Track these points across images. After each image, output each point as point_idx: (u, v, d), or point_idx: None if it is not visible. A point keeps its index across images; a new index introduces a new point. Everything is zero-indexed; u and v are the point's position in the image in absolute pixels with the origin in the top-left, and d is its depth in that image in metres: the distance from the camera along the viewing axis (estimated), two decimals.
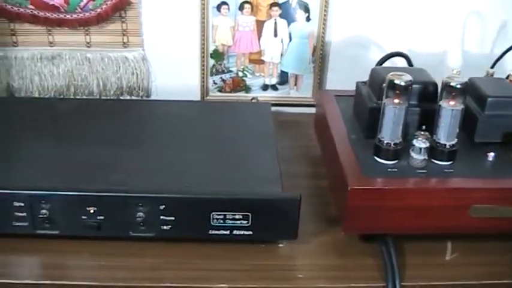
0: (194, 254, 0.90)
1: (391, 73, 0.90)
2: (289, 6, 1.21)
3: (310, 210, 0.98)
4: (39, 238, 0.90)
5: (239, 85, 1.29)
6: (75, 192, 0.88)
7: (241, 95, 1.30)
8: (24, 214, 0.88)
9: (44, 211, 0.88)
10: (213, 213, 0.87)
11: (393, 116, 0.90)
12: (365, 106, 0.97)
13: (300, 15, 1.22)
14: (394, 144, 0.91)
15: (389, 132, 0.91)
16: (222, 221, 0.88)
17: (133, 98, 1.29)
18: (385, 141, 0.91)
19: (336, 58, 1.27)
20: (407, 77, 0.89)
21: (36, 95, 1.27)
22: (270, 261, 0.89)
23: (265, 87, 1.29)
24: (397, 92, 0.89)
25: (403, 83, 0.88)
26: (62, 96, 1.28)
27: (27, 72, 1.25)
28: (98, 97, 1.28)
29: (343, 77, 1.26)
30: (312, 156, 1.14)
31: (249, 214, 0.88)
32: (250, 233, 0.89)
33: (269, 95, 1.30)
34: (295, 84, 1.28)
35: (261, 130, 1.06)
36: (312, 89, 1.29)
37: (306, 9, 1.21)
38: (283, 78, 1.28)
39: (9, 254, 0.89)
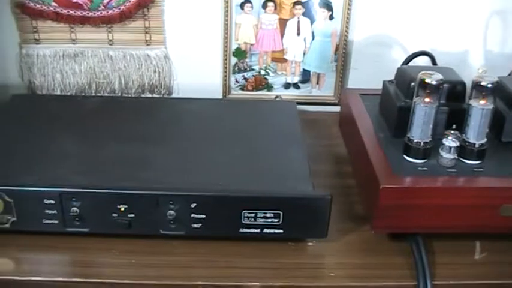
0: (224, 252, 0.90)
1: (422, 72, 0.90)
2: (313, 5, 1.21)
3: (337, 209, 0.97)
4: (69, 236, 0.91)
5: (261, 83, 1.28)
6: (107, 190, 0.88)
7: (263, 94, 1.30)
8: (55, 212, 0.88)
9: (74, 209, 0.88)
10: (244, 211, 0.88)
11: (424, 115, 0.90)
12: (393, 105, 0.98)
13: (323, 13, 1.22)
14: (424, 143, 0.91)
15: (419, 131, 0.91)
16: (253, 219, 0.88)
17: (154, 96, 1.29)
18: (415, 140, 0.91)
19: (358, 57, 1.27)
20: (439, 76, 0.89)
21: (58, 93, 1.27)
22: (300, 260, 0.90)
23: (287, 86, 1.29)
24: (428, 91, 0.89)
25: (434, 82, 0.89)
26: (83, 94, 1.28)
27: (49, 69, 1.25)
28: (119, 95, 1.28)
29: (365, 76, 1.27)
30: (336, 155, 1.14)
31: (280, 212, 0.88)
32: (281, 231, 0.89)
33: (291, 94, 1.30)
34: (317, 83, 1.29)
35: (288, 128, 1.07)
36: (333, 87, 1.29)
37: (329, 8, 1.21)
38: (305, 76, 1.28)
39: (40, 252, 0.90)
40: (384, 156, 0.93)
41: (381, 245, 0.93)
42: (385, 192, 0.86)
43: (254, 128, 1.07)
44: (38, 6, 1.19)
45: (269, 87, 1.29)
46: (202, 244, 0.91)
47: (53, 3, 1.19)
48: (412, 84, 0.94)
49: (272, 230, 0.89)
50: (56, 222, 0.89)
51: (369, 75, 1.26)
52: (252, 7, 1.21)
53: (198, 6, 1.22)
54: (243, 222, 0.88)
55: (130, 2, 1.19)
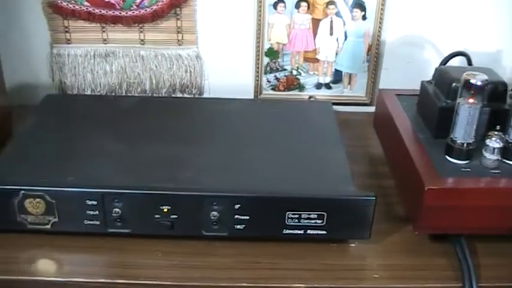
0: (267, 253, 0.89)
1: (466, 73, 0.89)
2: (346, 5, 1.20)
3: (376, 209, 0.97)
4: (110, 237, 0.90)
5: (293, 83, 1.28)
6: (151, 190, 0.87)
7: (294, 94, 1.29)
8: (96, 212, 0.88)
9: (116, 210, 0.87)
10: (289, 212, 0.87)
11: (467, 115, 0.89)
12: (434, 106, 0.97)
13: (356, 14, 1.21)
14: (467, 144, 0.90)
15: (462, 132, 0.90)
16: (296, 221, 0.88)
17: (185, 95, 1.28)
18: (458, 141, 0.90)
19: (390, 57, 1.26)
20: (483, 77, 0.88)
21: (89, 93, 1.26)
22: (344, 261, 0.89)
23: (319, 86, 1.29)
24: (473, 91, 0.88)
25: (479, 83, 0.88)
26: (113, 94, 1.27)
27: (80, 69, 1.25)
28: (149, 95, 1.27)
29: (397, 76, 1.26)
30: (370, 155, 1.14)
31: (324, 214, 0.87)
32: (324, 232, 0.89)
33: (323, 94, 1.29)
34: (349, 83, 1.28)
35: (326, 129, 1.06)
36: (365, 88, 1.28)
37: (363, 8, 1.21)
38: (337, 77, 1.28)
39: (81, 253, 0.89)
40: (427, 157, 0.92)
41: (423, 246, 0.92)
42: (429, 193, 0.85)
43: (291, 129, 1.06)
44: (70, 5, 1.18)
45: (301, 88, 1.29)
46: (244, 245, 0.90)
47: (86, 3, 1.18)
48: (454, 84, 0.94)
49: (316, 231, 0.89)
50: (98, 223, 0.88)
51: (401, 75, 1.25)
52: (285, 7, 1.20)
53: (231, 6, 1.22)
54: (287, 223, 0.88)
55: (163, 1, 1.18)
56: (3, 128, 1.13)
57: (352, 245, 0.92)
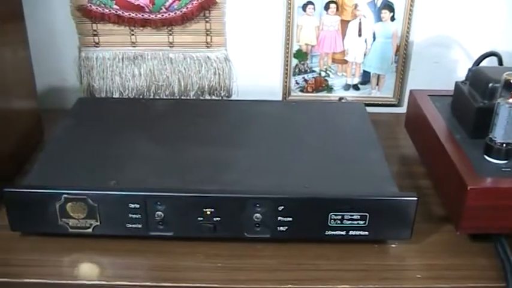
0: (310, 255, 0.89)
1: (506, 73, 0.89)
2: (375, 6, 1.20)
3: None
4: (152, 240, 0.90)
5: (321, 85, 1.28)
6: (193, 193, 0.87)
7: (323, 95, 1.29)
8: (139, 216, 0.87)
9: (159, 213, 0.87)
10: (331, 213, 0.87)
11: (508, 115, 0.89)
12: (470, 106, 0.97)
13: (385, 15, 1.21)
14: (507, 143, 0.90)
15: (502, 132, 0.90)
16: (339, 222, 0.87)
17: (213, 98, 1.28)
18: (498, 141, 0.90)
19: (418, 58, 1.26)
20: None
21: (117, 96, 1.26)
22: (385, 262, 0.89)
23: (347, 87, 1.29)
24: None
25: None
26: (141, 97, 1.27)
27: (108, 72, 1.24)
28: (177, 97, 1.27)
29: (425, 77, 1.26)
30: (403, 156, 1.14)
31: (367, 214, 0.87)
32: (366, 233, 0.88)
33: (351, 95, 1.29)
34: (377, 84, 1.28)
35: (361, 129, 1.06)
36: (393, 88, 1.28)
37: (391, 9, 1.21)
38: (365, 78, 1.28)
39: (124, 256, 0.89)
40: (465, 157, 0.92)
41: (463, 246, 0.92)
42: (472, 193, 0.85)
43: (327, 129, 1.06)
44: (99, 9, 1.18)
45: (329, 89, 1.29)
46: (285, 247, 0.90)
47: (115, 6, 1.18)
48: (490, 85, 0.94)
49: (358, 232, 0.88)
50: (140, 226, 0.88)
51: (428, 76, 1.26)
52: (314, 9, 1.20)
53: (260, 8, 1.22)
54: (329, 224, 0.88)
55: (192, 4, 1.18)
56: (35, 131, 1.13)
57: (393, 245, 0.91)
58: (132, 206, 0.87)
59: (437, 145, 0.97)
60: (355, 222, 0.87)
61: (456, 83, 1.04)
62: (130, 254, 0.89)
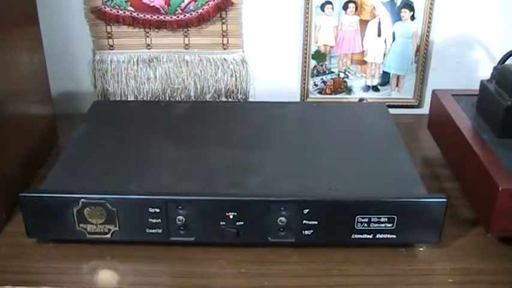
0: (336, 260, 0.86)
1: None
2: (394, 5, 1.17)
3: None
4: (172, 245, 0.87)
5: (340, 87, 1.24)
6: (216, 197, 0.84)
7: (342, 97, 1.25)
8: (159, 220, 0.84)
9: (180, 217, 0.84)
10: (358, 216, 0.83)
11: None
12: (498, 105, 0.93)
13: (404, 14, 1.18)
14: None
15: None
16: (366, 225, 0.84)
17: (230, 100, 1.25)
18: None
19: (438, 58, 1.23)
20: None
21: (131, 99, 1.23)
22: (414, 266, 0.85)
23: (366, 89, 1.25)
24: None
25: None
26: (156, 99, 1.23)
27: (122, 76, 1.21)
28: (195, 100, 1.24)
29: (446, 78, 1.23)
30: (426, 158, 1.10)
31: (395, 217, 0.83)
32: (394, 236, 0.85)
33: (370, 96, 1.25)
34: (397, 85, 1.24)
35: (384, 131, 1.03)
36: (413, 89, 1.24)
37: (411, 8, 1.17)
38: (385, 79, 1.24)
39: (143, 262, 0.86)
40: (494, 158, 0.88)
41: (494, 250, 0.88)
42: (504, 193, 0.82)
43: (350, 131, 1.03)
44: (114, 11, 1.15)
45: (348, 90, 1.25)
46: (310, 252, 0.87)
47: (130, 8, 1.15)
48: None
49: (385, 236, 0.85)
50: (160, 231, 0.85)
51: (449, 76, 1.22)
52: (332, 8, 1.17)
53: (277, 9, 1.19)
54: (356, 227, 0.84)
55: (209, 5, 1.15)
56: (50, 136, 1.10)
57: (421, 249, 0.88)
58: (152, 210, 0.83)
59: (464, 145, 0.93)
60: (383, 225, 0.84)
61: (482, 82, 1.00)
62: (151, 260, 0.86)
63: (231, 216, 0.83)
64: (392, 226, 0.84)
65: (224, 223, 0.84)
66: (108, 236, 0.85)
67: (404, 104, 1.25)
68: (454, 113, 1.01)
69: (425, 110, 1.23)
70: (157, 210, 0.83)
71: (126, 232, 0.85)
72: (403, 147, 0.97)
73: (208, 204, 0.83)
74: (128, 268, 0.85)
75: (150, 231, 0.85)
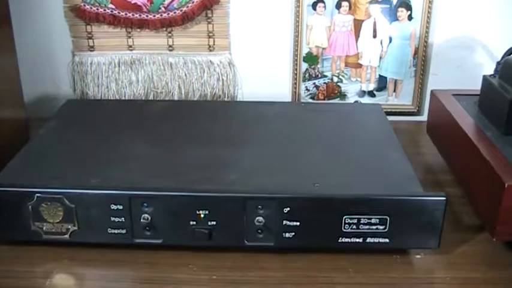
0: (321, 266, 0.74)
1: None
2: (390, 4, 1.07)
3: None
4: (138, 249, 0.76)
5: (333, 92, 1.13)
6: (184, 192, 0.72)
7: (335, 103, 1.14)
8: (122, 219, 0.73)
9: (145, 215, 0.73)
10: (346, 216, 0.72)
11: None
12: (502, 100, 0.83)
13: (401, 13, 1.07)
14: None
15: None
16: (355, 227, 0.72)
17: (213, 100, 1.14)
18: None
19: (438, 61, 1.12)
20: None
21: None
22: (411, 274, 0.73)
23: (361, 94, 1.14)
24: None
25: None
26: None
27: (103, 78, 1.11)
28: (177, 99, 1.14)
29: (446, 83, 1.11)
30: (425, 164, 0.99)
31: (387, 218, 0.72)
32: (387, 240, 0.73)
33: (366, 102, 1.14)
34: (394, 91, 1.13)
35: (378, 129, 0.93)
36: (412, 95, 1.13)
37: (408, 7, 1.07)
38: (381, 83, 1.13)
39: (105, 267, 0.75)
40: (500, 155, 0.77)
41: (499, 257, 0.77)
42: (510, 190, 0.70)
43: (340, 129, 0.92)
44: (94, 9, 1.06)
45: (342, 96, 1.14)
46: (292, 257, 0.75)
47: (110, 5, 1.06)
48: None
49: (376, 239, 0.73)
50: (124, 232, 0.74)
51: (450, 81, 1.11)
52: (325, 7, 1.07)
53: (266, 8, 1.09)
54: (344, 230, 0.73)
55: (193, 2, 1.05)
56: (21, 142, 0.99)
57: (418, 256, 0.76)
58: (114, 207, 0.73)
59: (467, 145, 0.82)
60: (374, 227, 0.73)
61: (484, 77, 0.90)
62: (114, 264, 0.75)
63: (202, 215, 0.72)
64: (385, 228, 0.72)
65: (194, 223, 0.73)
66: (67, 236, 0.74)
67: (403, 110, 1.14)
68: (455, 113, 0.90)
69: (425, 117, 1.11)
70: (120, 207, 0.72)
71: (87, 232, 0.74)
72: (397, 144, 0.86)
73: (176, 200, 0.72)
74: (87, 273, 0.74)
75: (113, 231, 0.74)
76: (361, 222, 0.72)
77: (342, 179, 0.77)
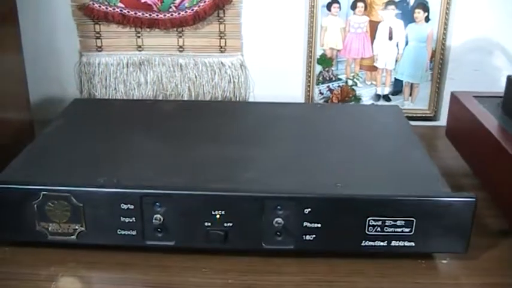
0: (343, 271, 0.69)
1: None
2: (407, 5, 1.03)
3: None
4: (149, 251, 0.71)
5: (348, 95, 1.09)
6: (200, 191, 0.67)
7: (352, 104, 1.09)
8: (133, 219, 0.68)
9: (157, 216, 0.68)
10: (370, 218, 0.67)
11: None
12: None
13: (418, 15, 1.03)
14: None
15: None
16: (379, 229, 0.68)
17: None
18: None
19: (455, 65, 1.08)
20: None
21: None
22: (437, 280, 0.68)
23: (376, 98, 1.09)
24: None
25: None
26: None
27: (111, 80, 1.07)
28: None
29: (464, 87, 1.06)
30: (447, 168, 0.93)
31: (413, 220, 0.67)
32: (412, 244, 0.69)
33: (384, 104, 1.10)
34: (410, 95, 1.09)
35: (398, 129, 0.89)
36: (428, 100, 1.08)
37: (426, 9, 1.03)
38: (397, 87, 1.09)
39: (113, 270, 0.69)
40: None
41: None
42: None
43: (360, 129, 0.88)
44: (102, 7, 1.02)
45: (356, 100, 1.09)
46: (312, 261, 0.70)
47: (120, 4, 1.02)
48: None
49: (402, 243, 0.68)
50: (134, 233, 0.69)
51: (467, 85, 1.06)
52: (339, 8, 1.03)
53: (280, 8, 1.06)
54: (367, 232, 0.68)
55: (205, 2, 1.01)
56: (24, 145, 0.94)
57: (444, 261, 0.71)
58: (124, 206, 0.68)
59: (493, 146, 0.78)
60: (399, 229, 0.68)
61: (509, 77, 0.85)
62: (123, 267, 0.70)
63: (218, 216, 0.68)
64: (411, 231, 0.68)
65: (210, 224, 0.68)
66: (73, 237, 0.69)
67: (419, 115, 1.09)
68: (479, 114, 0.85)
69: (441, 122, 1.07)
70: (131, 206, 0.68)
71: (95, 233, 0.69)
72: (419, 144, 0.82)
73: (191, 200, 0.67)
74: (95, 276, 0.69)
75: (123, 232, 0.69)
76: (386, 224, 0.67)
77: (365, 179, 0.72)
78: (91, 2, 1.02)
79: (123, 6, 1.02)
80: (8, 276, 0.68)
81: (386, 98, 1.09)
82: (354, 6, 1.04)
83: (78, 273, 0.68)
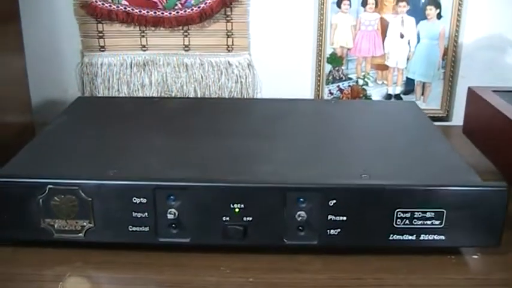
0: (370, 268, 0.64)
1: None
2: (418, 2, 0.99)
3: None
4: (162, 249, 0.66)
5: (358, 95, 1.05)
6: (217, 183, 0.63)
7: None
8: (145, 215, 0.64)
9: (172, 210, 0.63)
10: (398, 210, 0.62)
11: None
12: None
13: (430, 11, 1.00)
14: None
15: None
16: (408, 222, 0.63)
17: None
18: None
19: (468, 63, 1.04)
20: None
21: None
22: (468, 276, 0.64)
23: (388, 98, 1.05)
24: None
25: None
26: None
27: (114, 81, 1.02)
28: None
29: (476, 85, 1.03)
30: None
31: (444, 211, 0.63)
32: (442, 237, 0.64)
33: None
34: (422, 94, 1.04)
35: (419, 123, 0.84)
36: (440, 99, 1.05)
37: (437, 5, 0.99)
38: (409, 86, 1.05)
39: (124, 270, 0.64)
40: None
41: None
42: None
43: (381, 123, 0.85)
44: (106, 5, 0.97)
45: (367, 100, 1.05)
46: (337, 258, 0.65)
47: (124, 2, 0.98)
48: None
49: (431, 237, 0.64)
50: (147, 229, 0.64)
51: (481, 84, 1.02)
52: (350, 5, 0.99)
53: (288, 6, 1.02)
54: (396, 225, 0.63)
55: None
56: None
57: (475, 256, 0.66)
58: (136, 200, 0.63)
59: None
60: (429, 222, 0.63)
61: None
62: (134, 267, 0.65)
63: (237, 209, 0.63)
64: (441, 224, 0.63)
65: (228, 218, 0.63)
66: (81, 235, 0.64)
67: (430, 116, 1.05)
68: (502, 107, 0.81)
69: (453, 122, 1.03)
70: (144, 200, 0.63)
71: (104, 230, 0.64)
72: (441, 137, 0.78)
73: (208, 192, 0.63)
74: (104, 276, 0.64)
75: (134, 229, 0.64)
76: (415, 216, 0.63)
77: (391, 169, 0.68)
78: (94, 0, 0.97)
79: (127, 3, 0.98)
80: (11, 278, 0.62)
81: (397, 97, 1.05)
82: (364, 3, 1.00)
83: (86, 273, 0.63)
